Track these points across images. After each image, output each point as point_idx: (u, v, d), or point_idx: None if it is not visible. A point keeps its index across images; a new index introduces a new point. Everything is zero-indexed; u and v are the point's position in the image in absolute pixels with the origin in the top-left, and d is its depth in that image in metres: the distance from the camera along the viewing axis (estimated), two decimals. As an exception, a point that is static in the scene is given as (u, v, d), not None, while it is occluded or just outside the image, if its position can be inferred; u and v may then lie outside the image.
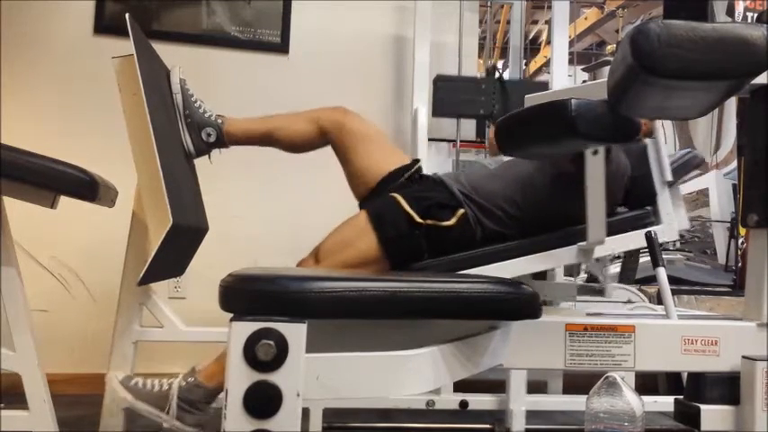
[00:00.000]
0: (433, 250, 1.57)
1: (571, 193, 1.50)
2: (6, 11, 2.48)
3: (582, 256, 1.60)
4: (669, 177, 1.72)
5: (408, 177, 1.67)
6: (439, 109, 2.54)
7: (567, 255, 1.60)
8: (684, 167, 1.96)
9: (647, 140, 1.77)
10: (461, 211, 1.58)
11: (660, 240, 1.72)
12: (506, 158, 1.74)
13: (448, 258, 1.57)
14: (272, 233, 2.59)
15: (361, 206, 1.71)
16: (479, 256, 1.57)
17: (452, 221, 1.57)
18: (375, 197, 1.65)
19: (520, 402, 2.04)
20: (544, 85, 2.73)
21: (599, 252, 1.61)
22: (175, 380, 1.55)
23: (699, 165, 2.11)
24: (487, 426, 2.10)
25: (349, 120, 1.71)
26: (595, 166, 1.44)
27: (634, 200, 1.73)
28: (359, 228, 1.59)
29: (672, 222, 1.69)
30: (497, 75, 2.67)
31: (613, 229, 1.59)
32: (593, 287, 2.37)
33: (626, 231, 1.64)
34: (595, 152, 1.43)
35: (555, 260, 1.62)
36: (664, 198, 1.71)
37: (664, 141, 1.80)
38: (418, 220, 1.55)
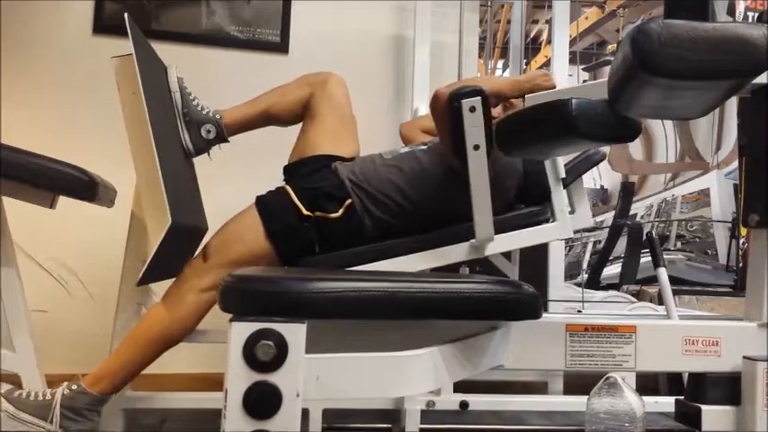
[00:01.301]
0: (324, 243, 1.55)
1: (460, 189, 1.47)
2: (5, 10, 2.48)
3: (474, 253, 1.58)
4: (562, 174, 1.71)
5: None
6: None
7: (458, 252, 1.58)
8: (583, 164, 1.96)
9: None
10: (349, 201, 1.56)
11: (555, 238, 1.71)
12: (404, 150, 1.72)
13: (338, 254, 1.55)
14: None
15: (284, 172, 1.70)
16: (371, 251, 1.56)
17: (339, 213, 1.55)
18: (297, 170, 1.64)
19: (414, 402, 1.99)
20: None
21: (491, 249, 1.59)
22: (59, 388, 1.50)
23: (600, 161, 2.11)
24: (386, 425, 2.08)
25: (332, 83, 1.70)
26: (478, 162, 1.43)
27: (531, 197, 1.72)
28: (248, 222, 1.57)
29: (566, 220, 1.68)
30: None
31: (506, 226, 1.59)
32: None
33: (519, 228, 1.63)
34: (476, 147, 1.42)
35: (447, 257, 1.59)
36: (558, 195, 1.69)
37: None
38: (305, 212, 1.53)
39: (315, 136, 1.69)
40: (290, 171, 1.69)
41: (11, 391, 1.50)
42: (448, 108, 1.44)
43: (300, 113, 1.74)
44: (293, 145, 1.75)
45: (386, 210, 1.58)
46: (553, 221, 1.69)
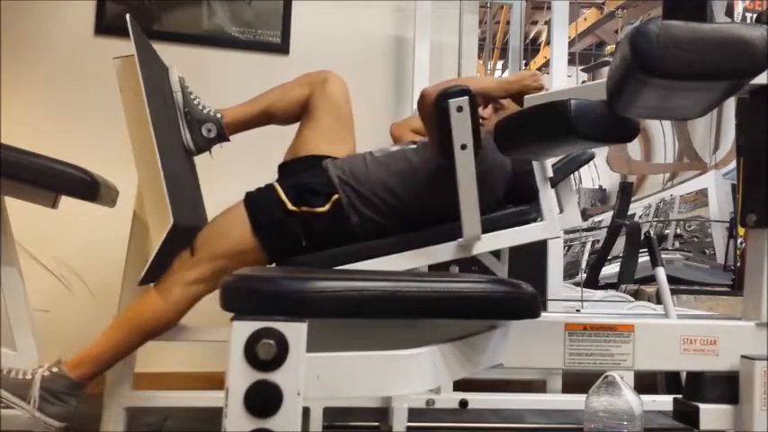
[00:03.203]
0: (310, 238, 1.55)
1: (448, 188, 1.47)
2: (7, 11, 2.49)
3: (461, 252, 1.58)
4: (549, 173, 1.71)
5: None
6: None
7: (446, 251, 1.58)
8: (571, 164, 1.96)
9: None
10: (336, 196, 1.56)
11: (543, 237, 1.71)
12: (394, 149, 1.72)
13: (326, 253, 1.55)
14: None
15: (279, 171, 1.71)
16: (358, 250, 1.56)
17: (326, 207, 1.55)
18: (290, 168, 1.65)
19: (401, 400, 1.99)
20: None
21: (478, 249, 1.59)
22: (40, 369, 1.51)
23: (588, 161, 2.09)
24: (374, 423, 2.09)
25: (331, 83, 1.71)
26: (465, 161, 1.43)
27: (519, 196, 1.72)
28: (235, 217, 1.58)
29: (553, 219, 1.68)
30: None
31: (493, 226, 1.59)
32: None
33: (506, 228, 1.64)
34: (464, 146, 1.42)
35: (434, 256, 1.59)
36: (546, 195, 1.69)
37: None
38: (291, 207, 1.54)
39: (311, 135, 1.69)
40: (284, 169, 1.70)
41: None
42: (435, 107, 1.44)
43: (299, 113, 1.74)
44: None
45: (373, 208, 1.58)
46: (541, 221, 1.69)
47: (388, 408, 1.99)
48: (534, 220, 1.68)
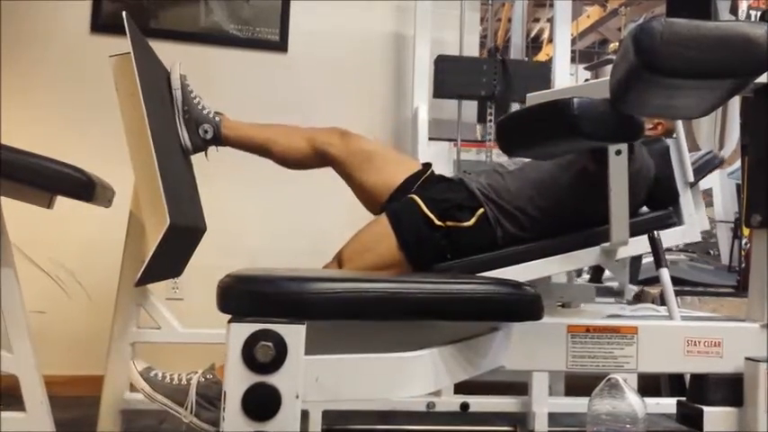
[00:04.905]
0: (455, 251, 1.57)
1: (593, 194, 1.49)
2: (3, 10, 2.48)
3: (604, 257, 1.59)
4: (691, 178, 1.71)
5: (423, 181, 1.67)
6: (440, 90, 2.51)
7: (589, 256, 1.59)
8: (705, 168, 1.96)
9: (669, 140, 1.77)
10: (481, 210, 1.58)
11: (683, 241, 1.70)
12: (527, 159, 1.73)
13: (469, 260, 1.56)
14: (271, 234, 2.58)
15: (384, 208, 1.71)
16: (501, 257, 1.57)
17: (472, 222, 1.57)
18: (406, 191, 1.65)
19: (542, 404, 2.06)
20: (546, 66, 2.71)
21: (622, 253, 1.60)
22: (195, 375, 1.53)
23: (719, 165, 2.10)
24: (509, 428, 2.10)
25: (350, 141, 1.71)
26: (619, 166, 1.43)
27: (656, 200, 1.73)
28: (379, 232, 1.59)
29: (694, 223, 1.69)
30: (499, 55, 2.65)
31: (636, 230, 1.57)
32: (613, 288, 2.35)
33: (648, 232, 1.63)
34: (618, 152, 1.43)
35: (577, 261, 1.61)
36: (686, 199, 1.71)
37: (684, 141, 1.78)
38: (437, 222, 1.56)
39: (378, 177, 1.69)
40: (404, 191, 1.68)
41: (147, 370, 1.54)
42: None
43: (295, 164, 1.76)
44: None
45: (517, 223, 1.60)
46: (680, 225, 1.69)
47: (528, 412, 2.06)
48: (674, 224, 1.68)
